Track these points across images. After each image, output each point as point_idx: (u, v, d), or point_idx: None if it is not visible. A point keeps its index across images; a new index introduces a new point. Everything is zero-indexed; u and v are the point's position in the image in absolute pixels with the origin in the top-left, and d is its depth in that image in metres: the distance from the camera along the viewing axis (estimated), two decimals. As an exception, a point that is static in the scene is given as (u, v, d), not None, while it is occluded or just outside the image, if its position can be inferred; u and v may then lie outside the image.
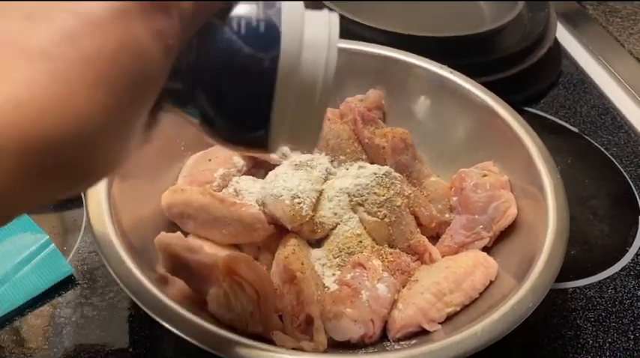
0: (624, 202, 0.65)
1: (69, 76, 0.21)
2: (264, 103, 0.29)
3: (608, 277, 0.57)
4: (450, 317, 0.47)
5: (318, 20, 0.30)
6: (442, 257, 0.52)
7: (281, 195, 0.49)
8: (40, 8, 0.22)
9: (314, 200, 0.51)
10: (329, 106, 0.46)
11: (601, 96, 0.79)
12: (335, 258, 0.50)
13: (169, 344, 0.48)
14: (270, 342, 0.42)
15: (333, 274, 0.50)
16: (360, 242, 0.51)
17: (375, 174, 0.52)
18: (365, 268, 0.47)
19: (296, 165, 0.53)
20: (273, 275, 0.48)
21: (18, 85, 0.21)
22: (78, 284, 0.52)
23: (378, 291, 0.46)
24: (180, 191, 0.52)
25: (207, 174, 0.55)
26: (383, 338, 0.47)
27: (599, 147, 0.71)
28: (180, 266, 0.45)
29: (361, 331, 0.45)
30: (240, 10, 0.29)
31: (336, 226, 0.52)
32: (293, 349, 0.41)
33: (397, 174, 0.54)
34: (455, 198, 0.55)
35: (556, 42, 0.83)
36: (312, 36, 0.29)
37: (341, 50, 0.30)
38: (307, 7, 0.30)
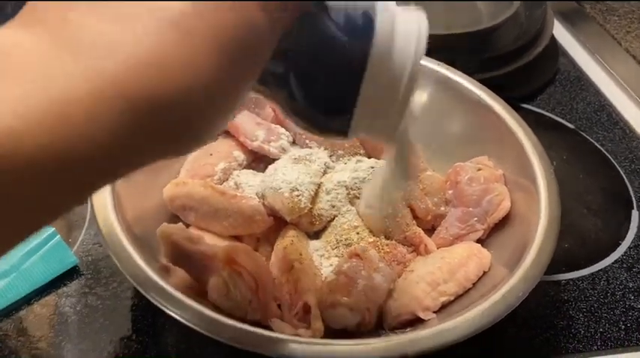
0: (618, 197, 0.66)
1: (195, 43, 0.24)
2: (352, 90, 0.30)
3: (601, 269, 0.58)
4: (444, 306, 0.48)
5: (409, 15, 0.31)
6: (437, 248, 0.53)
7: (280, 188, 0.50)
8: None
9: (312, 193, 0.52)
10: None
11: (597, 93, 0.80)
12: (333, 249, 0.51)
13: (171, 332, 0.50)
14: (269, 329, 0.42)
15: (331, 265, 0.50)
16: (358, 233, 0.52)
17: (373, 168, 0.54)
18: (361, 258, 0.48)
19: (295, 159, 0.54)
20: (272, 266, 0.49)
21: (145, 48, 0.22)
22: (82, 274, 0.53)
23: (374, 281, 0.47)
24: (182, 184, 0.53)
25: (208, 167, 0.56)
26: (378, 326, 0.48)
27: (595, 143, 0.72)
28: (181, 256, 0.47)
29: (357, 319, 0.46)
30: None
31: (334, 218, 0.53)
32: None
33: (394, 168, 0.55)
34: (450, 192, 0.56)
35: (553, 40, 0.84)
36: (404, 29, 0.30)
37: None
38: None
